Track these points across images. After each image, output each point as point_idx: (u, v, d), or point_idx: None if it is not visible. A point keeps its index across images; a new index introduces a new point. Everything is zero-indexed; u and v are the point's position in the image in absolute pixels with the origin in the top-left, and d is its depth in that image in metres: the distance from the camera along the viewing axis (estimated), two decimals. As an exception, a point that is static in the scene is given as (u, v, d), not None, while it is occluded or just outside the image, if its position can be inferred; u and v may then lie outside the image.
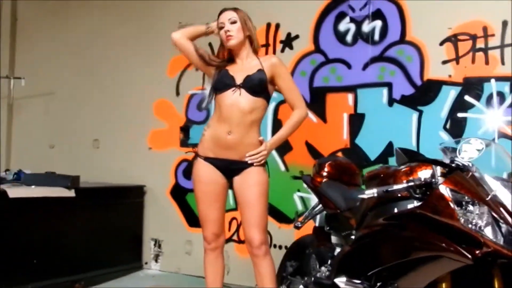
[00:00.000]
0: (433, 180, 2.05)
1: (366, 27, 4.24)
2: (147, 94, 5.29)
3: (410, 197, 2.16)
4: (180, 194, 5.06)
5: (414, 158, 2.05)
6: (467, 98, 3.88)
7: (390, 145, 4.07)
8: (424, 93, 4.03)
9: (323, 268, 2.80)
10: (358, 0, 4.26)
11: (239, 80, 2.99)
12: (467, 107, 3.88)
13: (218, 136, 3.00)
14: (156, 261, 5.21)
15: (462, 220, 1.84)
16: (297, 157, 4.42)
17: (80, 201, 4.45)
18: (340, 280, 2.24)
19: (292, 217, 4.15)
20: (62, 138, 5.85)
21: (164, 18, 5.20)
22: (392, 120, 4.12)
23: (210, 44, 4.19)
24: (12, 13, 6.35)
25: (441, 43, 3.97)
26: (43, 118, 6.02)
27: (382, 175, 2.43)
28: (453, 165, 2.05)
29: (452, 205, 1.85)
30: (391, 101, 4.14)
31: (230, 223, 4.72)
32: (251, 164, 2.99)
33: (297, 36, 4.55)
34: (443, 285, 1.99)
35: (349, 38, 4.32)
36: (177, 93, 5.08)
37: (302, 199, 4.38)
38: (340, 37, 4.35)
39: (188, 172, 5.00)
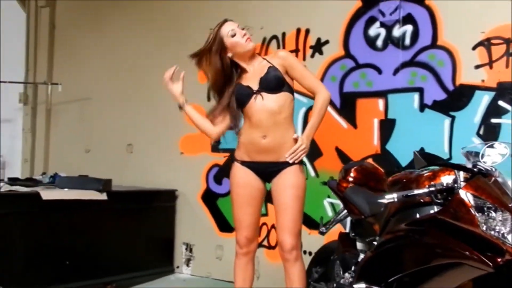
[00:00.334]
0: (455, 185, 2.02)
1: (396, 31, 4.19)
2: (179, 99, 5.34)
3: (432, 202, 2.13)
4: (211, 199, 5.10)
5: (433, 161, 2.00)
6: (500, 103, 3.79)
7: (422, 150, 4.00)
8: (456, 98, 3.95)
9: (346, 275, 2.78)
10: (388, 4, 4.22)
11: (254, 86, 3.00)
12: (501, 112, 3.79)
13: (253, 142, 3.01)
14: (187, 265, 5.25)
15: (484, 227, 1.80)
16: (327, 162, 4.40)
17: (112, 204, 4.54)
18: (359, 286, 2.22)
19: (322, 224, 4.13)
20: (97, 143, 5.98)
21: (196, 22, 5.24)
22: (424, 125, 4.05)
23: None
24: (51, 20, 6.53)
25: (474, 48, 3.89)
26: (79, 123, 6.17)
27: (404, 180, 2.39)
28: (475, 169, 2.00)
29: (472, 210, 1.81)
30: (422, 107, 4.08)
31: (260, 228, 4.70)
32: (289, 164, 2.97)
33: (327, 41, 4.53)
34: (465, 293, 1.95)
35: (379, 43, 4.28)
36: (208, 99, 5.10)
37: (332, 205, 4.35)
38: (370, 42, 4.31)
39: (219, 177, 5.04)
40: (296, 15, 4.67)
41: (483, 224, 1.80)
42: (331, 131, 4.42)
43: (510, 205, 1.82)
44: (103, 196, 4.38)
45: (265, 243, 4.71)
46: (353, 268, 2.73)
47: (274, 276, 4.39)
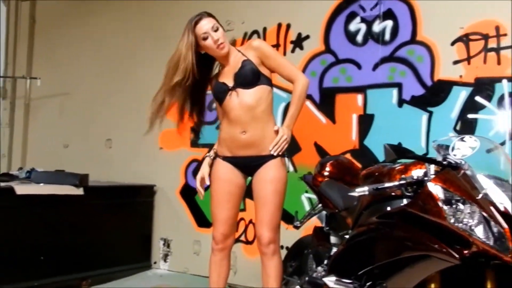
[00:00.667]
0: (425, 178, 2.01)
1: (376, 27, 4.19)
2: (159, 94, 5.30)
3: (403, 195, 2.12)
4: (189, 194, 5.06)
5: (403, 154, 1.99)
6: (478, 99, 3.80)
7: (399, 145, 3.99)
8: (434, 94, 3.96)
9: (319, 268, 2.77)
10: (369, 0, 4.21)
11: (229, 82, 2.97)
12: (478, 108, 3.80)
13: (233, 138, 2.99)
14: (165, 260, 5.22)
15: (452, 219, 1.79)
16: (306, 158, 4.38)
17: (89, 199, 4.48)
18: (330, 279, 2.20)
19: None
20: (76, 138, 5.91)
21: (179, 20, 5.17)
22: (402, 121, 4.05)
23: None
24: (31, 14, 6.45)
25: (453, 43, 3.90)
26: (58, 118, 6.10)
27: (377, 174, 2.39)
28: (444, 162, 1.99)
29: (440, 203, 1.80)
30: (401, 102, 4.08)
31: (238, 223, 4.68)
32: (270, 158, 2.95)
33: (307, 37, 4.51)
34: (432, 285, 1.94)
35: (359, 38, 4.27)
36: (188, 94, 5.07)
37: (310, 200, 4.33)
38: (351, 37, 4.30)
39: (197, 172, 4.99)
40: (277, 10, 4.66)
41: (451, 217, 1.79)
42: (310, 126, 4.41)
43: (478, 198, 1.81)
44: (80, 191, 4.33)
45: (242, 238, 4.68)
46: (326, 261, 2.72)
47: (251, 271, 4.37)
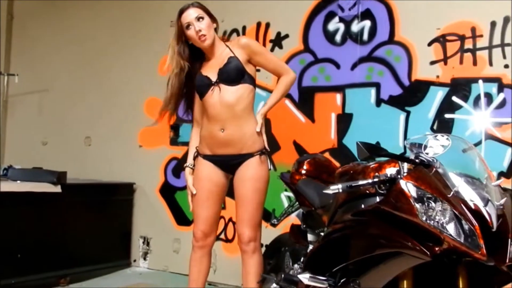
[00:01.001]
0: (398, 176, 2.03)
1: (355, 27, 4.22)
2: (138, 92, 5.30)
3: (377, 193, 2.15)
4: (169, 192, 5.06)
5: (376, 152, 2.01)
6: (454, 99, 3.85)
7: (377, 145, 4.02)
8: (412, 94, 4.01)
9: (296, 266, 2.79)
10: (347, 0, 4.24)
11: (213, 77, 2.95)
12: (455, 108, 3.85)
13: (212, 135, 2.98)
14: (144, 259, 5.21)
15: (424, 217, 1.81)
16: (285, 156, 4.39)
17: (68, 197, 4.46)
18: (304, 276, 2.22)
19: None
20: (55, 135, 5.87)
21: (156, 17, 5.21)
22: (380, 120, 4.09)
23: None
24: (9, 10, 6.39)
25: (430, 44, 3.95)
26: (36, 115, 6.05)
27: (351, 172, 2.41)
28: (417, 160, 2.02)
29: (411, 200, 1.82)
30: (379, 102, 4.12)
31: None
32: (251, 156, 2.96)
33: (287, 36, 4.53)
34: (405, 282, 1.96)
35: (338, 38, 4.30)
36: (168, 91, 5.06)
37: (289, 198, 4.35)
38: (329, 36, 4.33)
39: (177, 170, 5.00)
40: (256, 9, 4.67)
41: (423, 214, 1.82)
42: (289, 125, 4.43)
43: (449, 195, 1.84)
44: (57, 189, 4.30)
45: (222, 236, 4.69)
46: (302, 259, 2.74)
47: (230, 270, 4.38)
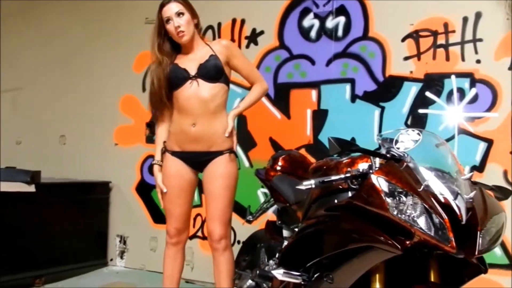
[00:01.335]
0: (370, 171, 2.05)
1: (329, 23, 4.24)
2: (113, 90, 5.25)
3: (349, 188, 2.16)
4: (145, 191, 5.03)
5: (347, 147, 2.02)
6: (428, 94, 3.89)
7: (353, 141, 4.05)
8: (386, 89, 4.04)
9: (271, 262, 2.80)
10: (322, -4, 4.26)
11: (192, 70, 2.95)
12: (428, 103, 3.89)
13: (182, 130, 2.97)
14: (121, 257, 5.18)
15: (395, 211, 1.83)
16: (261, 153, 4.40)
17: (42, 196, 4.41)
18: (278, 272, 2.22)
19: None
20: (28, 134, 5.79)
21: (130, 14, 5.17)
22: (355, 116, 4.12)
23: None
24: (-19, 8, 6.27)
25: (403, 39, 3.98)
26: (9, 114, 5.94)
27: (325, 167, 2.43)
28: (388, 155, 2.04)
29: (382, 195, 1.83)
30: (353, 97, 4.14)
31: (195, 219, 4.70)
32: (220, 154, 2.96)
33: (262, 32, 4.53)
34: (377, 276, 1.98)
35: (313, 34, 4.31)
36: (143, 89, 5.04)
37: (266, 195, 4.35)
38: (304, 33, 4.35)
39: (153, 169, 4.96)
40: (231, 5, 4.66)
41: (394, 208, 1.83)
42: (265, 121, 4.44)
43: (419, 189, 1.86)
44: (31, 188, 4.25)
45: (199, 234, 4.69)
46: (277, 255, 2.74)
47: (208, 267, 4.34)
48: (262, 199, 4.38)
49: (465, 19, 3.78)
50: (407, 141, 2.06)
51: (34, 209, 4.42)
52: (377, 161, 2.11)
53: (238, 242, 4.41)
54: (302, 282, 2.23)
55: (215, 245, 3.02)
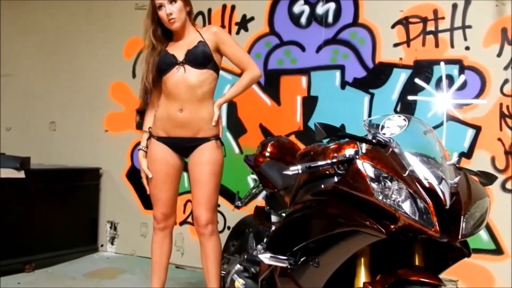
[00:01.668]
0: (356, 156, 2.06)
1: (320, 9, 4.24)
2: (103, 76, 5.23)
3: (336, 173, 2.17)
4: (136, 177, 5.00)
5: (333, 133, 2.03)
6: (417, 81, 3.91)
7: (343, 127, 4.07)
8: (375, 76, 4.05)
9: (259, 246, 2.82)
10: (312, -18, 4.25)
11: (180, 56, 2.96)
12: (417, 90, 3.91)
13: (169, 115, 2.97)
14: (112, 243, 5.19)
15: (380, 196, 1.84)
16: (251, 139, 4.40)
17: (32, 183, 4.42)
18: (265, 256, 2.24)
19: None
20: (18, 121, 5.76)
21: (121, 0, 5.14)
22: (345, 102, 4.14)
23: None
24: (-31, -7, 6.21)
25: (393, 26, 3.99)
26: (-1, 100, 5.92)
27: (312, 153, 2.44)
28: (374, 141, 2.05)
29: (367, 180, 1.85)
30: (343, 84, 4.16)
31: (185, 205, 4.71)
32: (206, 140, 2.97)
33: (252, 18, 4.52)
34: (362, 259, 2.00)
35: (303, 20, 4.31)
36: (134, 75, 5.02)
37: (256, 181, 4.36)
38: (295, 19, 4.34)
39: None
40: (222, -9, 4.65)
41: (379, 193, 1.84)
42: (255, 108, 4.44)
43: (404, 174, 1.87)
44: (21, 174, 4.25)
45: (189, 219, 4.70)
46: (265, 240, 2.76)
47: (198, 253, 4.37)
48: (252, 185, 4.39)
49: (454, 6, 3.80)
50: (393, 126, 2.07)
51: (24, 196, 4.42)
52: (364, 146, 2.12)
53: (228, 228, 4.43)
54: (289, 266, 2.25)
55: (201, 230, 3.04)
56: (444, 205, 1.83)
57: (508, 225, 3.63)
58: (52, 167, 4.99)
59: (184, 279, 4.33)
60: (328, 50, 4.20)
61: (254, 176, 4.31)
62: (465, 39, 3.76)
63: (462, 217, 1.82)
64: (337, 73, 4.17)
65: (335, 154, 2.20)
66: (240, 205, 3.32)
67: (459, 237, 1.80)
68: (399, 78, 3.96)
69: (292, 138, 4.19)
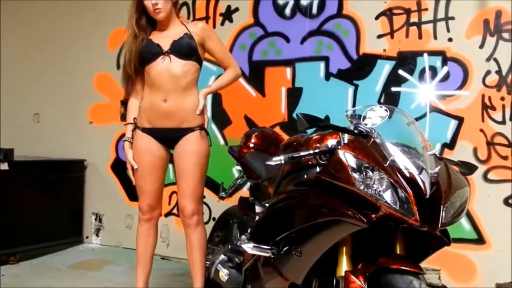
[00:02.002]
0: (339, 147, 2.07)
1: (304, 0, 4.25)
2: (88, 67, 5.21)
3: (318, 164, 2.19)
4: (120, 169, 5.02)
5: (315, 123, 2.05)
6: (401, 72, 3.94)
7: (327, 119, 4.08)
8: (359, 67, 4.07)
9: (243, 237, 2.83)
10: (296, -27, 4.25)
11: (165, 46, 2.95)
12: (401, 81, 3.94)
13: (153, 106, 2.97)
14: (97, 235, 5.19)
15: (362, 186, 1.86)
16: (236, 130, 4.41)
17: (16, 175, 4.41)
18: (248, 246, 2.26)
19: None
20: (2, 112, 5.70)
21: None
22: (329, 94, 4.15)
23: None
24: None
25: (377, 17, 4.01)
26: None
27: (295, 143, 2.45)
28: (355, 131, 2.07)
29: (349, 170, 1.86)
30: (328, 75, 4.17)
31: (170, 197, 4.71)
32: (191, 130, 2.97)
33: (237, 9, 4.52)
34: (344, 248, 2.02)
35: (287, 11, 4.32)
36: (118, 67, 5.00)
37: (241, 172, 4.37)
38: (279, 10, 4.35)
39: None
40: (207, -19, 4.64)
41: (360, 183, 1.86)
42: (240, 99, 4.45)
43: (385, 164, 1.89)
44: (4, 166, 4.22)
45: (175, 211, 4.71)
46: (249, 230, 2.78)
47: (183, 244, 4.39)
48: (236, 176, 4.40)
49: (437, -3, 3.82)
50: (374, 117, 2.09)
51: (8, 187, 4.40)
52: (346, 137, 2.14)
53: (213, 219, 4.44)
54: (272, 256, 2.26)
55: (187, 221, 3.05)
56: (425, 194, 1.85)
57: (489, 215, 3.68)
58: (36, 159, 4.97)
59: (170, 270, 4.34)
60: (313, 41, 4.21)
61: (239, 167, 4.33)
62: (448, 30, 3.79)
63: (442, 206, 1.84)
64: (322, 65, 4.18)
65: (318, 145, 2.22)
66: (224, 196, 3.33)
67: (439, 225, 1.82)
68: (383, 69, 3.98)
69: (277, 129, 4.21)
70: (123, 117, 4.91)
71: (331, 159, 1.97)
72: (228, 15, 4.54)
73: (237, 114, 4.47)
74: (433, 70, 3.84)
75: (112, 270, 4.33)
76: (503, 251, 3.64)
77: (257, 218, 2.81)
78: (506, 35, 3.65)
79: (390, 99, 3.93)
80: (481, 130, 3.71)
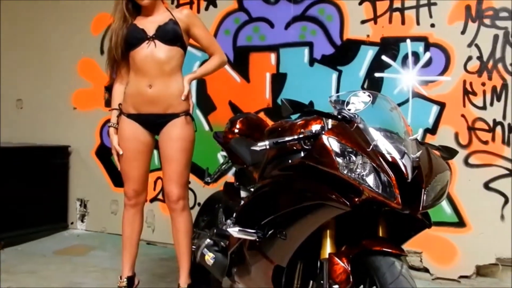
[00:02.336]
0: (322, 132, 2.10)
1: (288, -15, 4.25)
2: (71, 52, 5.18)
3: (302, 149, 2.22)
4: (105, 155, 5.02)
5: (299, 109, 2.08)
6: (384, 58, 3.97)
7: (311, 104, 4.11)
8: (343, 53, 4.10)
9: (228, 221, 2.85)
10: (280, -42, 4.25)
11: (150, 31, 2.95)
12: (384, 67, 3.98)
13: (139, 91, 2.97)
14: (82, 221, 5.19)
15: (345, 170, 1.89)
16: (221, 116, 4.44)
17: (0, 161, 4.37)
18: (234, 230, 2.29)
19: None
20: (-16, 98, 5.67)
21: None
22: (313, 79, 4.18)
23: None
24: None
25: (360, 3, 4.04)
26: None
27: (280, 129, 2.47)
28: (339, 116, 2.10)
29: (332, 154, 1.90)
30: (312, 61, 4.20)
31: (155, 182, 4.72)
32: (176, 116, 2.98)
33: (221, -6, 4.52)
34: (328, 231, 2.06)
35: (272, -4, 4.32)
36: (101, 52, 4.98)
37: (226, 157, 4.39)
38: (264, -5, 4.35)
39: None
40: (191, -34, 4.62)
41: (344, 167, 1.89)
42: (224, 85, 4.46)
43: (368, 149, 1.92)
44: (-13, 153, 4.21)
45: (160, 197, 4.72)
46: (234, 214, 2.80)
47: (169, 229, 4.41)
48: (221, 161, 4.42)
49: (420, -17, 3.85)
50: (357, 102, 2.12)
51: (-9, 174, 4.38)
52: (329, 122, 2.17)
53: (199, 204, 4.47)
54: (257, 239, 2.29)
55: (173, 206, 3.06)
56: (406, 178, 1.89)
57: (470, 198, 3.75)
58: (20, 145, 4.95)
59: (155, 255, 4.37)
60: (297, 26, 4.23)
61: (224, 153, 4.35)
62: (431, 16, 3.83)
63: (423, 190, 1.89)
64: (306, 50, 4.20)
65: (302, 130, 2.24)
66: (209, 181, 3.36)
67: (420, 209, 1.87)
68: (366, 55, 4.02)
69: (261, 115, 4.24)
70: (107, 103, 4.93)
71: (315, 144, 2.00)
72: (212, 0, 4.53)
73: (222, 100, 4.48)
74: (416, 56, 3.89)
75: (98, 256, 4.35)
76: (483, 234, 3.73)
77: (242, 202, 2.84)
78: (487, 21, 3.70)
79: (373, 84, 3.98)
80: (463, 116, 3.77)
